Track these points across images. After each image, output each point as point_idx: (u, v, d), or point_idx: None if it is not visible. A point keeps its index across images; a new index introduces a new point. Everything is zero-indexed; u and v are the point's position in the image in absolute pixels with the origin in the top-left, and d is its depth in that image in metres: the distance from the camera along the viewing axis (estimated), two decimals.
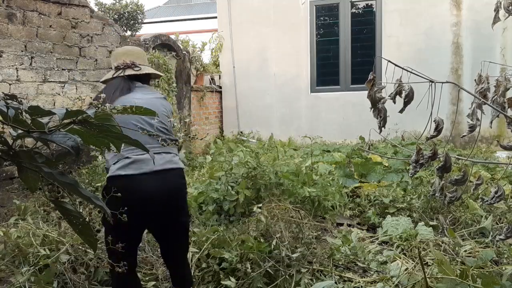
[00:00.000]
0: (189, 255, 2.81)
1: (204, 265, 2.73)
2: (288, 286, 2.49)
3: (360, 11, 7.66)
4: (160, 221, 2.04)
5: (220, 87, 8.30)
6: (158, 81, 5.34)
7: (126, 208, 1.69)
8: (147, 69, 2.22)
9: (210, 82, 8.12)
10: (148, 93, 2.17)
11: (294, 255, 2.63)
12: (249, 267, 2.52)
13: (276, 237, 2.70)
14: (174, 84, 5.69)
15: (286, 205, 3.07)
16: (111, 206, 1.64)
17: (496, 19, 2.15)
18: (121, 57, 2.18)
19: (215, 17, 8.68)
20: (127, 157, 1.90)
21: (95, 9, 6.63)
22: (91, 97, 4.95)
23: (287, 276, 2.51)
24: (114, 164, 1.91)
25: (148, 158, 1.88)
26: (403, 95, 1.84)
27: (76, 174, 4.44)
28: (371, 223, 3.64)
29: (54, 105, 4.49)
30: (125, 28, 12.50)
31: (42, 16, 4.39)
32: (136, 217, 1.82)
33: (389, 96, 1.85)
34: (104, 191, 1.85)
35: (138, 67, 2.17)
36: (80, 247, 2.73)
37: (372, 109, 1.90)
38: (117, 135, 0.92)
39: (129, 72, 2.14)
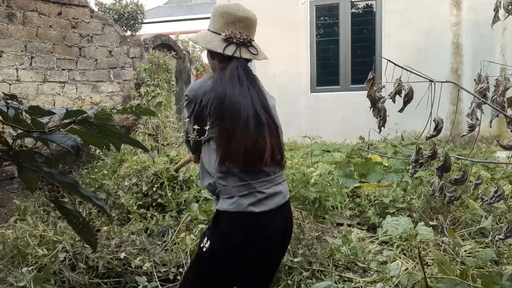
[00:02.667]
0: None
1: None
2: None
3: (360, 11, 7.66)
4: (273, 261, 1.67)
5: None
6: (158, 82, 5.34)
7: (252, 251, 1.52)
8: (263, 54, 1.65)
9: None
10: (264, 90, 1.68)
11: (296, 259, 2.64)
12: None
13: None
14: (173, 82, 5.69)
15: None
16: (244, 251, 1.50)
17: (495, 19, 2.15)
18: (235, 25, 1.58)
19: None
20: (261, 192, 1.51)
21: (95, 9, 6.63)
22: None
23: (288, 281, 2.52)
24: (241, 196, 1.49)
25: (276, 191, 1.56)
26: (402, 94, 1.84)
27: (76, 173, 4.44)
28: (371, 223, 3.64)
29: (54, 105, 4.50)
30: (125, 28, 12.51)
31: (42, 16, 4.40)
32: (259, 260, 1.57)
33: (388, 95, 1.86)
34: (219, 226, 1.52)
35: (255, 49, 1.61)
36: (78, 243, 2.74)
37: (372, 108, 1.90)
38: (117, 134, 0.92)
39: (245, 53, 1.58)
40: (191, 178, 3.81)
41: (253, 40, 1.62)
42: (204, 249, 1.51)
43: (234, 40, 1.55)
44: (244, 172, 1.50)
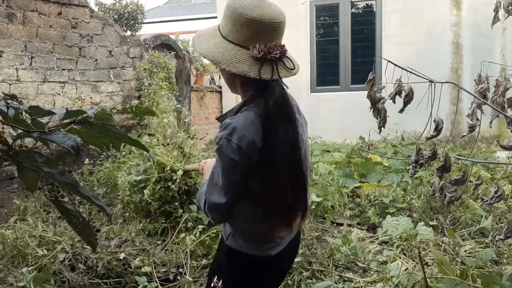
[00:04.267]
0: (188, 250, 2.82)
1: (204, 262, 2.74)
2: None
3: (360, 11, 7.66)
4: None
5: (220, 87, 8.29)
6: (158, 82, 5.34)
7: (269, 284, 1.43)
8: (297, 64, 1.26)
9: (210, 82, 8.12)
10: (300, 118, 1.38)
11: (296, 259, 2.64)
12: None
13: None
14: (174, 80, 5.69)
15: None
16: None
17: (495, 19, 2.15)
18: (267, 34, 1.18)
19: (215, 17, 8.69)
20: (281, 238, 1.36)
21: (95, 9, 6.63)
22: (90, 97, 4.95)
23: (288, 281, 2.52)
24: (262, 243, 1.34)
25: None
26: (402, 95, 1.85)
27: (76, 174, 4.44)
28: (371, 223, 3.65)
29: (54, 105, 4.50)
30: (125, 28, 12.51)
31: (42, 16, 4.40)
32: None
33: (388, 96, 1.86)
34: (232, 264, 1.37)
35: (290, 60, 1.23)
36: (78, 244, 2.74)
37: (372, 109, 1.90)
38: (117, 135, 0.92)
39: (283, 72, 1.20)
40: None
41: (286, 49, 1.23)
42: None
43: (269, 57, 1.17)
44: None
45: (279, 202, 1.24)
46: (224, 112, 9.16)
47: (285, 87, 1.28)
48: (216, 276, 1.40)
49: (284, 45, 1.22)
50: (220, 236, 1.59)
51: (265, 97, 1.20)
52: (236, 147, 1.16)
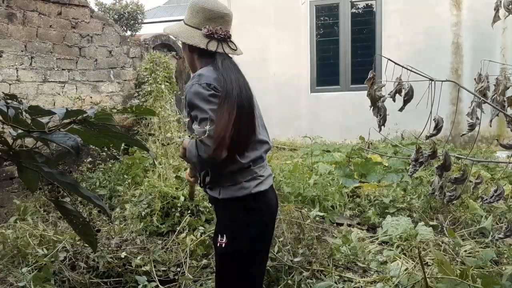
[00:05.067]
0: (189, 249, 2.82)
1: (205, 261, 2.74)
2: None
3: (360, 11, 7.66)
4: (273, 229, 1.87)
5: None
6: (159, 81, 5.34)
7: (266, 225, 1.68)
8: (240, 50, 1.72)
9: None
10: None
11: (296, 259, 2.64)
12: None
13: (279, 241, 2.72)
14: (174, 80, 5.68)
15: (290, 206, 3.09)
16: (257, 226, 1.63)
17: (496, 18, 2.15)
18: (215, 21, 1.63)
19: None
20: (261, 175, 1.65)
21: (95, 9, 6.63)
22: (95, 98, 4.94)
23: (289, 281, 2.52)
24: (246, 181, 1.60)
25: (269, 173, 1.71)
26: (402, 93, 1.84)
27: (77, 173, 4.44)
28: (371, 223, 3.64)
29: (54, 105, 4.50)
30: (125, 28, 12.51)
31: (42, 16, 4.40)
32: (270, 233, 1.76)
33: (388, 94, 1.86)
34: (230, 215, 1.62)
35: (234, 44, 1.69)
36: (78, 243, 2.74)
37: (372, 107, 1.90)
38: (117, 134, 0.92)
39: (226, 48, 1.65)
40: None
41: (231, 36, 1.68)
42: (224, 245, 1.58)
43: (215, 36, 1.61)
44: (246, 158, 1.59)
45: (243, 135, 1.55)
46: None
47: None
48: (219, 236, 1.60)
49: (228, 31, 1.65)
50: (213, 207, 1.84)
51: (214, 62, 1.60)
52: (205, 85, 1.52)
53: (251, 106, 1.62)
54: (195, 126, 1.49)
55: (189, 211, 3.27)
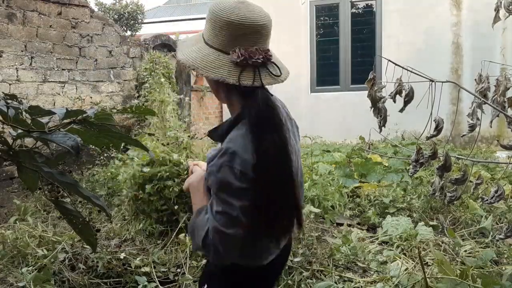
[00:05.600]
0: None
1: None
2: None
3: (360, 11, 7.66)
4: None
5: None
6: (159, 81, 5.34)
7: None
8: (285, 70, 1.27)
9: None
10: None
11: (296, 259, 2.64)
12: None
13: None
14: (174, 80, 5.69)
15: None
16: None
17: (496, 19, 2.15)
18: (247, 37, 1.12)
19: None
20: (278, 248, 1.31)
21: (95, 9, 6.63)
22: (90, 99, 4.94)
23: (289, 281, 2.52)
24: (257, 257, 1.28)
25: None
26: (403, 94, 1.84)
27: (76, 173, 4.44)
28: (371, 223, 3.64)
29: (54, 105, 4.50)
30: (125, 28, 12.51)
31: (42, 16, 4.40)
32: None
33: (389, 95, 1.86)
34: (225, 277, 1.28)
35: (275, 66, 1.20)
36: (78, 244, 2.74)
37: (372, 108, 1.90)
38: (117, 134, 0.92)
39: (266, 78, 1.16)
40: None
41: (271, 54, 1.17)
42: None
43: (250, 62, 1.11)
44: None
45: (275, 218, 1.14)
46: (224, 112, 9.06)
47: (270, 93, 1.23)
48: (206, 285, 1.31)
49: (268, 50, 1.16)
50: None
51: (249, 108, 1.13)
52: (240, 174, 1.08)
53: (290, 177, 1.16)
54: (214, 216, 1.12)
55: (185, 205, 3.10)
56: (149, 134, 5.04)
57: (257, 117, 1.12)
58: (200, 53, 1.15)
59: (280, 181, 1.12)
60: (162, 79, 5.29)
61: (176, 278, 2.65)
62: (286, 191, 1.15)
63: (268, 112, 1.14)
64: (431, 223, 3.42)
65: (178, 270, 2.74)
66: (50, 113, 0.86)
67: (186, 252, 2.80)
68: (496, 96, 1.95)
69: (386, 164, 4.94)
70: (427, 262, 2.76)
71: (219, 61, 1.13)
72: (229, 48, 1.12)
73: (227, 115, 8.70)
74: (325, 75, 7.78)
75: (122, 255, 2.66)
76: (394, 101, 1.86)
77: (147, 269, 2.61)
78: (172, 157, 3.19)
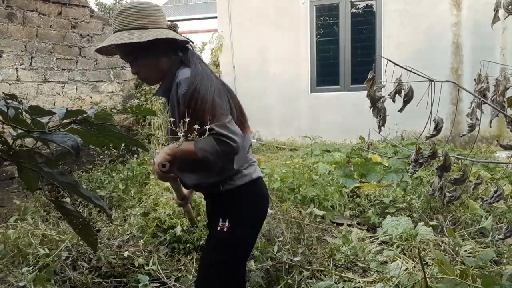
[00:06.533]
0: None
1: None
2: None
3: (360, 11, 7.66)
4: None
5: None
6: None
7: (265, 211, 1.76)
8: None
9: None
10: None
11: (296, 259, 2.64)
12: (253, 265, 2.55)
13: (278, 240, 2.72)
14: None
15: (289, 206, 3.08)
16: (257, 212, 1.71)
17: (495, 19, 2.15)
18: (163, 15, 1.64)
19: (215, 17, 8.68)
20: (254, 161, 1.73)
21: (95, 9, 6.63)
22: (91, 97, 4.95)
23: (289, 281, 2.52)
24: (246, 168, 1.66)
25: (255, 160, 1.77)
26: (402, 94, 1.84)
27: (76, 173, 4.44)
28: (371, 223, 3.64)
29: (54, 105, 4.50)
30: None
31: (42, 16, 4.40)
32: (261, 225, 1.80)
33: (388, 95, 1.86)
34: (232, 202, 1.64)
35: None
36: (80, 243, 2.74)
37: (372, 108, 1.90)
38: (117, 134, 0.92)
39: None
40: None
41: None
42: (225, 229, 1.59)
43: (175, 29, 1.63)
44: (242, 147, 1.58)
45: (241, 118, 1.63)
46: None
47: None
48: (220, 220, 1.60)
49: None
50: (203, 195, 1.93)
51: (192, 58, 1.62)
52: (200, 86, 1.49)
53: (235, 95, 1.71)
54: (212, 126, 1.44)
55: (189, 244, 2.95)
56: (149, 134, 5.04)
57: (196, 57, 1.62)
58: (145, 33, 1.53)
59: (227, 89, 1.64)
60: None
61: (177, 277, 2.65)
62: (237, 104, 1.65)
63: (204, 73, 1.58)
64: (431, 223, 3.42)
65: (180, 269, 2.74)
66: (50, 113, 0.86)
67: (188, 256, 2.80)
68: (495, 96, 1.95)
69: (386, 164, 4.94)
70: (427, 262, 2.76)
71: (162, 31, 1.56)
72: (165, 24, 1.61)
73: None
74: (325, 75, 7.78)
75: (126, 254, 2.67)
76: (394, 101, 1.86)
77: (149, 268, 2.61)
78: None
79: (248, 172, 1.65)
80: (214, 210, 1.70)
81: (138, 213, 3.22)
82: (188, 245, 2.93)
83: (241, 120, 1.62)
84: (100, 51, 1.68)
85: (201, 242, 2.88)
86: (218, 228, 1.60)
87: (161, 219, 3.05)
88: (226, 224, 1.59)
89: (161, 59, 1.59)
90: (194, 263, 2.78)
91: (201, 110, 1.44)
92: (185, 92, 1.48)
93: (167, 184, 3.22)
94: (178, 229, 2.92)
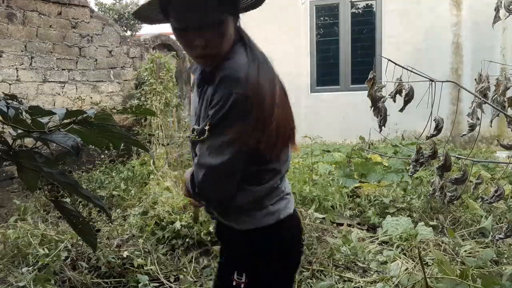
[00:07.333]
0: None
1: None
2: None
3: (360, 11, 7.66)
4: None
5: None
6: (161, 81, 5.34)
7: (290, 260, 1.31)
8: None
9: None
10: None
11: None
12: None
13: None
14: (174, 80, 5.69)
15: None
16: (287, 263, 1.26)
17: (496, 19, 2.15)
18: None
19: None
20: (288, 193, 1.30)
21: (95, 9, 6.63)
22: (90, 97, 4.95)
23: None
24: (274, 204, 1.23)
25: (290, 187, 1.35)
26: (403, 94, 1.84)
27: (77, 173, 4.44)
28: (371, 223, 3.64)
29: (54, 105, 4.50)
30: (125, 28, 12.50)
31: (42, 16, 4.39)
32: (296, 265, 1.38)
33: (389, 95, 1.85)
34: (266, 241, 1.22)
35: None
36: (79, 243, 2.74)
37: (372, 108, 1.90)
38: (118, 134, 0.92)
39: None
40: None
41: None
42: (243, 286, 1.20)
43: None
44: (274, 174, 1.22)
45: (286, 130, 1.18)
46: None
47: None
48: (235, 273, 1.21)
49: None
50: (214, 228, 1.40)
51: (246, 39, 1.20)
52: (247, 99, 1.07)
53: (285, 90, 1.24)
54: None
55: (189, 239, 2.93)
56: (149, 134, 5.04)
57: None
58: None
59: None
60: (169, 85, 5.30)
61: (177, 277, 2.65)
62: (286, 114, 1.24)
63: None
64: (431, 223, 3.42)
65: (179, 270, 2.73)
66: (50, 113, 0.86)
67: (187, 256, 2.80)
68: (496, 95, 1.95)
69: (386, 164, 4.94)
70: (427, 262, 2.76)
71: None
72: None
73: None
74: (325, 75, 7.78)
75: (125, 254, 2.66)
76: (394, 101, 1.86)
77: (148, 268, 2.61)
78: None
79: (277, 208, 1.22)
80: (228, 255, 1.31)
81: (138, 212, 3.22)
82: (187, 240, 2.92)
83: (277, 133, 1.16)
84: (140, 15, 1.18)
85: (200, 237, 2.91)
86: (234, 283, 1.21)
87: (160, 216, 3.04)
88: (243, 279, 1.20)
89: (230, 26, 1.15)
90: (193, 262, 2.78)
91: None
92: (220, 98, 1.09)
93: (168, 184, 3.23)
94: (178, 224, 2.91)
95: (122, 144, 0.94)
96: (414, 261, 2.78)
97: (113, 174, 4.36)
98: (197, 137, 1.13)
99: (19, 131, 0.84)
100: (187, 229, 2.92)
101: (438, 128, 1.85)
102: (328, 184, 4.07)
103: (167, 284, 2.57)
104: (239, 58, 1.12)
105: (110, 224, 3.20)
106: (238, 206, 1.19)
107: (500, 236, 2.01)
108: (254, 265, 1.21)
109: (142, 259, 2.66)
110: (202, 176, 1.13)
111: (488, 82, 1.96)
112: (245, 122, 1.07)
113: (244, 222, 1.21)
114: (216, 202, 1.23)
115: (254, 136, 1.10)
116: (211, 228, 2.90)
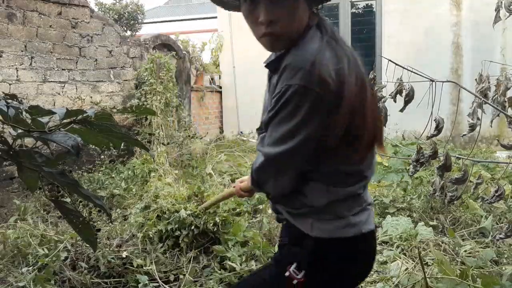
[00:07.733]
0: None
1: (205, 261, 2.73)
2: None
3: (360, 11, 7.66)
4: None
5: (220, 87, 8.29)
6: (162, 81, 5.34)
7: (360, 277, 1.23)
8: None
9: (210, 82, 8.12)
10: None
11: None
12: (254, 264, 2.55)
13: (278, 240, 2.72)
14: (174, 80, 5.69)
15: None
16: (355, 277, 1.17)
17: (497, 19, 2.15)
18: None
19: (215, 17, 8.68)
20: (370, 203, 1.18)
21: (95, 9, 6.63)
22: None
23: None
24: (355, 214, 1.11)
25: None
26: (403, 94, 1.84)
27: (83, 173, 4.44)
28: None
29: (54, 105, 4.50)
30: (125, 28, 12.50)
31: (42, 16, 4.39)
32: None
33: (389, 95, 1.86)
34: (340, 254, 1.12)
35: None
36: (79, 243, 2.74)
37: None
38: (117, 134, 0.92)
39: None
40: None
41: None
42: (295, 282, 1.09)
43: None
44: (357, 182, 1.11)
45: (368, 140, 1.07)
46: (224, 112, 8.98)
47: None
48: (294, 264, 1.10)
49: None
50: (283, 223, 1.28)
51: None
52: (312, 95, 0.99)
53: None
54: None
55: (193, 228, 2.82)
56: (150, 134, 5.04)
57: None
58: None
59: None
60: (169, 86, 5.30)
61: (177, 277, 2.65)
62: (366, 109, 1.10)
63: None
64: (431, 223, 3.42)
65: (179, 270, 2.73)
66: (50, 113, 0.86)
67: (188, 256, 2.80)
68: (496, 96, 1.95)
69: (386, 164, 4.94)
70: (427, 262, 2.76)
71: None
72: None
73: (227, 115, 8.62)
74: None
75: (125, 254, 2.66)
76: (395, 101, 1.86)
77: (148, 268, 2.61)
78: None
79: (358, 220, 1.10)
80: (290, 250, 1.17)
81: (138, 210, 3.20)
82: (192, 228, 2.77)
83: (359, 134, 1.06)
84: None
85: (206, 226, 2.81)
86: (287, 274, 1.09)
87: (163, 209, 2.94)
88: (300, 276, 1.09)
89: (301, 8, 1.11)
90: (191, 262, 2.78)
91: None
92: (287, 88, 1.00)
93: (169, 180, 3.20)
94: (183, 212, 2.78)
95: (122, 144, 0.94)
96: (414, 261, 2.78)
97: (113, 174, 4.36)
98: (262, 128, 1.10)
99: (19, 131, 0.84)
100: (193, 218, 2.79)
101: (439, 128, 1.85)
102: None
103: (164, 286, 2.56)
104: (310, 45, 1.05)
105: (110, 224, 3.20)
106: (309, 205, 1.10)
107: (500, 236, 2.01)
108: (318, 271, 1.11)
109: (141, 259, 2.66)
110: (260, 163, 1.11)
111: (489, 82, 1.96)
112: (306, 117, 0.99)
113: (318, 229, 1.10)
114: (270, 192, 1.18)
115: (325, 133, 1.02)
116: (217, 219, 2.83)
